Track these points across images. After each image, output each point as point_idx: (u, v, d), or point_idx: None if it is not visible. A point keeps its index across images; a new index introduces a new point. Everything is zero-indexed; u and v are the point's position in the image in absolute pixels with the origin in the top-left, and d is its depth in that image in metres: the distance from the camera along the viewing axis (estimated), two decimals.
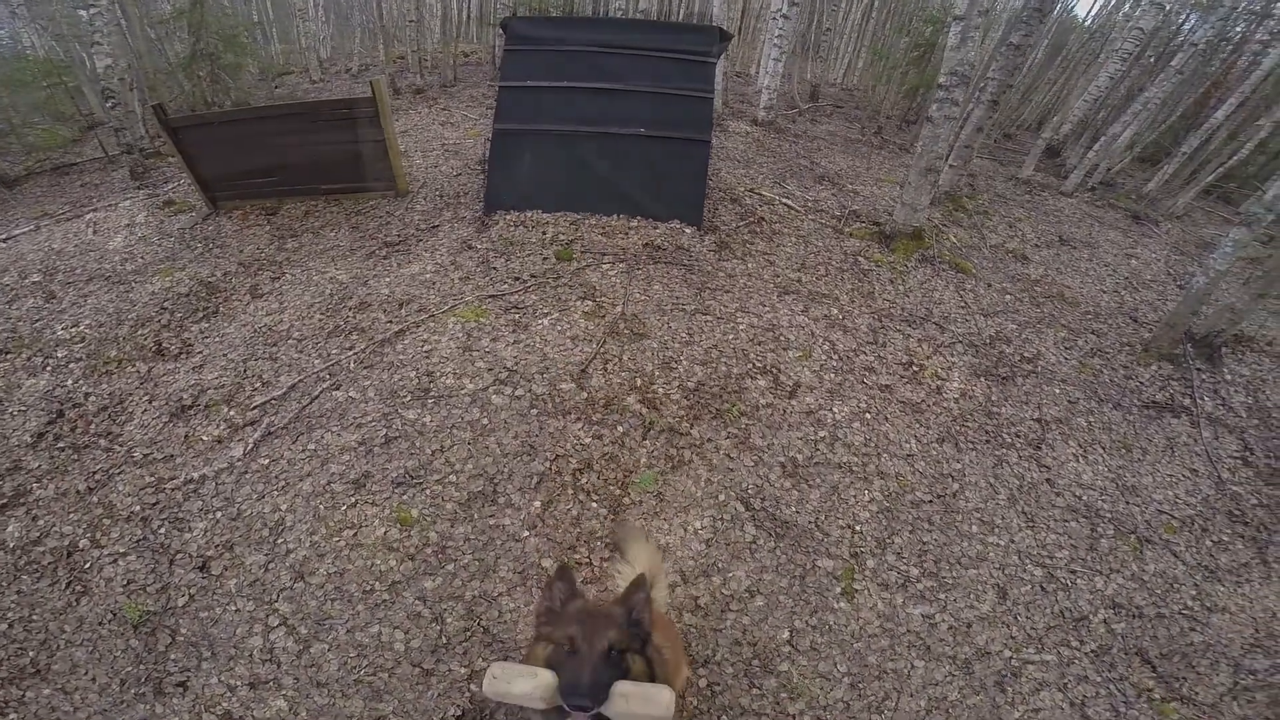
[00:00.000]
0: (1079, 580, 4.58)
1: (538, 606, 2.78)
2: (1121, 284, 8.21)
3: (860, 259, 7.54)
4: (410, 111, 11.43)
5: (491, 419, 4.90)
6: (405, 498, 4.40)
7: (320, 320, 5.88)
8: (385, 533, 4.23)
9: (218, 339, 5.75)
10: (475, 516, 4.35)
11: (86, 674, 3.64)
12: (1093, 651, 4.19)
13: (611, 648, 2.48)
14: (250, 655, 3.72)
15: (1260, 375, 6.71)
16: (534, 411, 4.99)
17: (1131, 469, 5.49)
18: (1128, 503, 5.21)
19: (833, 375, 5.67)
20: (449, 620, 3.89)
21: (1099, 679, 4.07)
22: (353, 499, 4.38)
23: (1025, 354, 6.59)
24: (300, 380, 5.24)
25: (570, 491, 4.54)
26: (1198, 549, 4.93)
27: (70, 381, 5.29)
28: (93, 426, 4.94)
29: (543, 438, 4.81)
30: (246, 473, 4.55)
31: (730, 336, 5.89)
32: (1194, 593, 4.63)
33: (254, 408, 5.03)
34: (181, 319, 5.99)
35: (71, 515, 4.34)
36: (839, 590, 4.26)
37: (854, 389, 5.58)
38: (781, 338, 5.96)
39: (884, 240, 7.91)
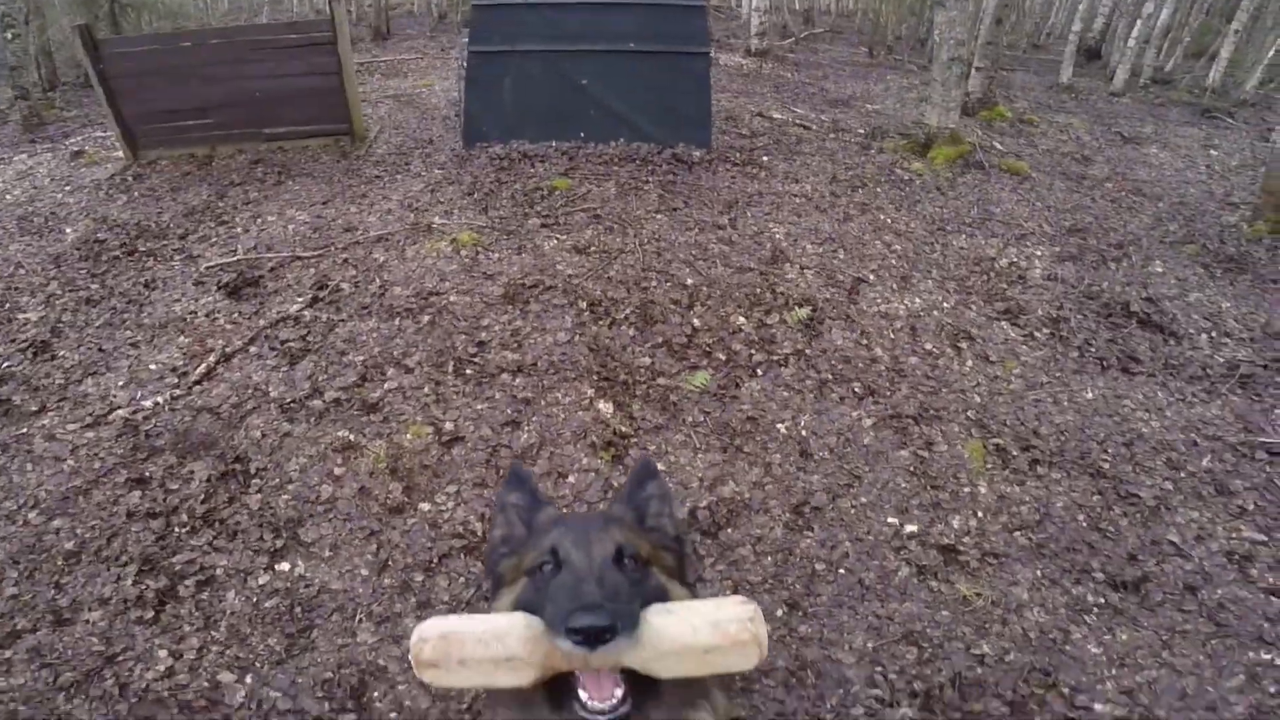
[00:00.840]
0: None
1: (489, 542, 1.83)
2: (1205, 174, 7.46)
3: (896, 170, 6.72)
4: None
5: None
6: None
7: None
8: None
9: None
10: None
11: None
12: None
13: (622, 551, 1.51)
14: None
15: None
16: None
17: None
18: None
19: (894, 274, 4.67)
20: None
21: None
22: None
23: (1111, 242, 5.69)
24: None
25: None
26: None
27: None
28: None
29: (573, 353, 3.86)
30: None
31: (766, 248, 4.94)
32: None
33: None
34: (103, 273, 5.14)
35: None
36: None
37: (922, 284, 4.58)
38: (827, 243, 5.01)
39: (919, 150, 7.15)
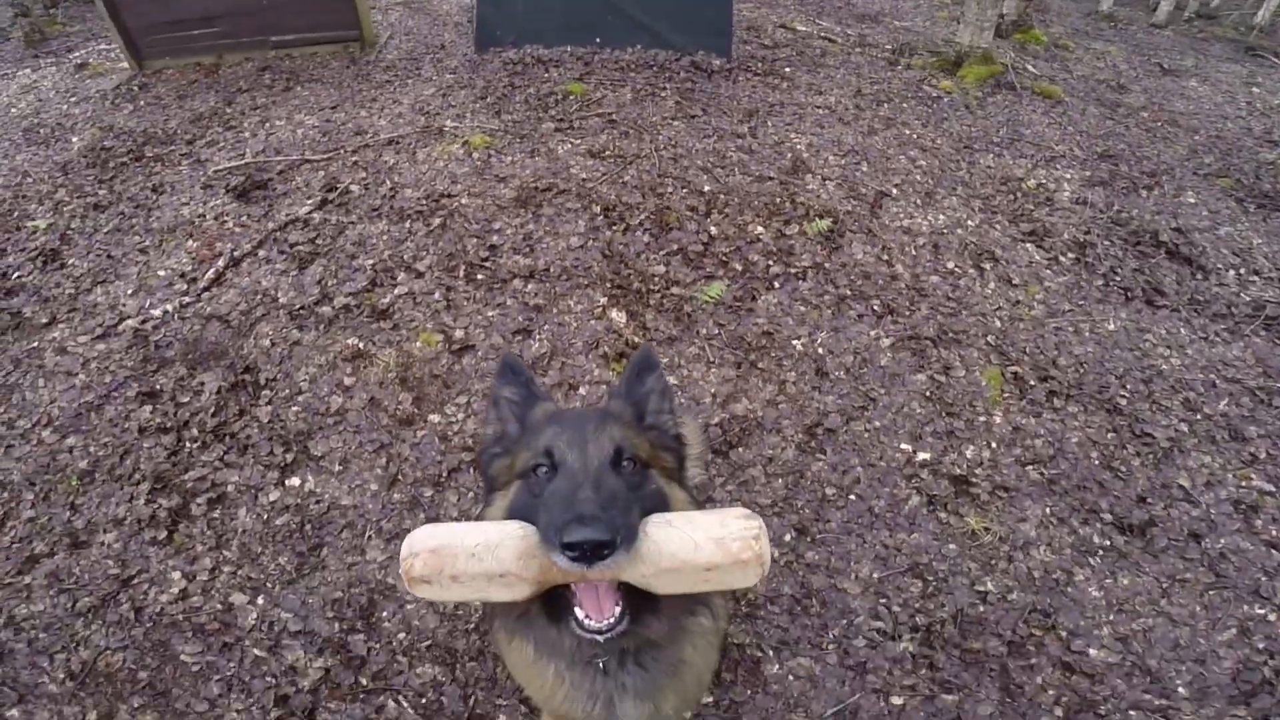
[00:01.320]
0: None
1: (481, 441, 1.75)
2: (1244, 111, 7.13)
3: (925, 87, 6.41)
4: None
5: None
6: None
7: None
8: None
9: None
10: None
11: None
12: None
13: (621, 452, 1.43)
14: None
15: None
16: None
17: None
18: None
19: (918, 190, 4.50)
20: None
21: None
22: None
23: (1144, 170, 5.46)
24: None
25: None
26: None
27: None
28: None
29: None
30: None
31: (787, 158, 4.76)
32: None
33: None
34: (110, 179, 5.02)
35: None
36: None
37: (946, 201, 4.42)
38: (850, 155, 4.82)
39: (949, 68, 6.81)
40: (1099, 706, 2.58)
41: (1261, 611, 2.80)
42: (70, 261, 4.17)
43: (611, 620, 1.31)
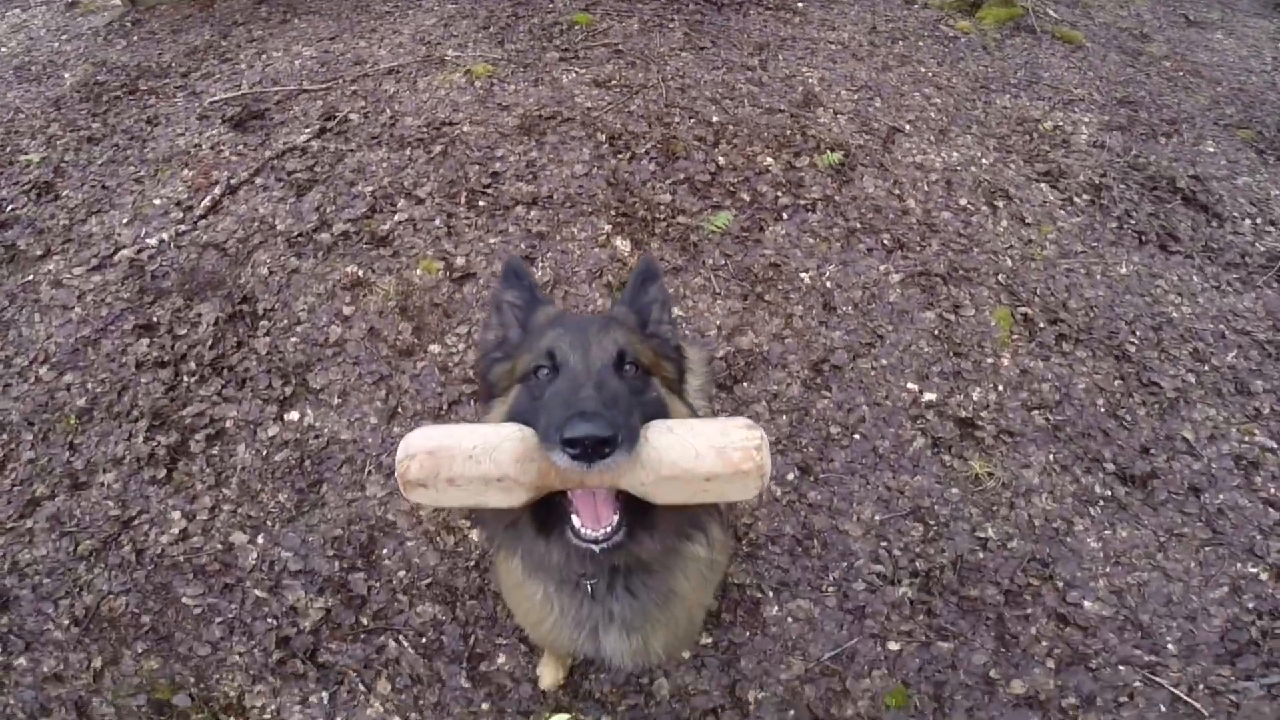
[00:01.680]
0: None
1: (481, 346, 1.70)
2: (1270, 65, 6.93)
3: (941, 26, 6.21)
4: None
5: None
6: None
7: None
8: None
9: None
10: None
11: None
12: None
13: (624, 355, 1.39)
14: None
15: None
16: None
17: None
18: None
19: (932, 127, 4.38)
20: None
21: None
22: None
23: (1164, 118, 5.33)
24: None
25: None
26: None
27: None
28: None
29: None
30: None
31: (798, 91, 4.61)
32: None
33: None
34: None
35: None
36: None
37: (960, 139, 4.31)
38: (863, 90, 4.67)
39: (967, 9, 6.59)
40: (1090, 660, 2.59)
41: (1254, 570, 2.81)
42: (64, 193, 4.09)
43: (609, 529, 1.28)
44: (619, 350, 1.38)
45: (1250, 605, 2.71)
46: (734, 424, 1.26)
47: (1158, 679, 2.55)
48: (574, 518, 1.28)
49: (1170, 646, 2.62)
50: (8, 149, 4.47)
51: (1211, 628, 2.66)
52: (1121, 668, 2.58)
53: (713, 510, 1.61)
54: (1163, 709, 2.51)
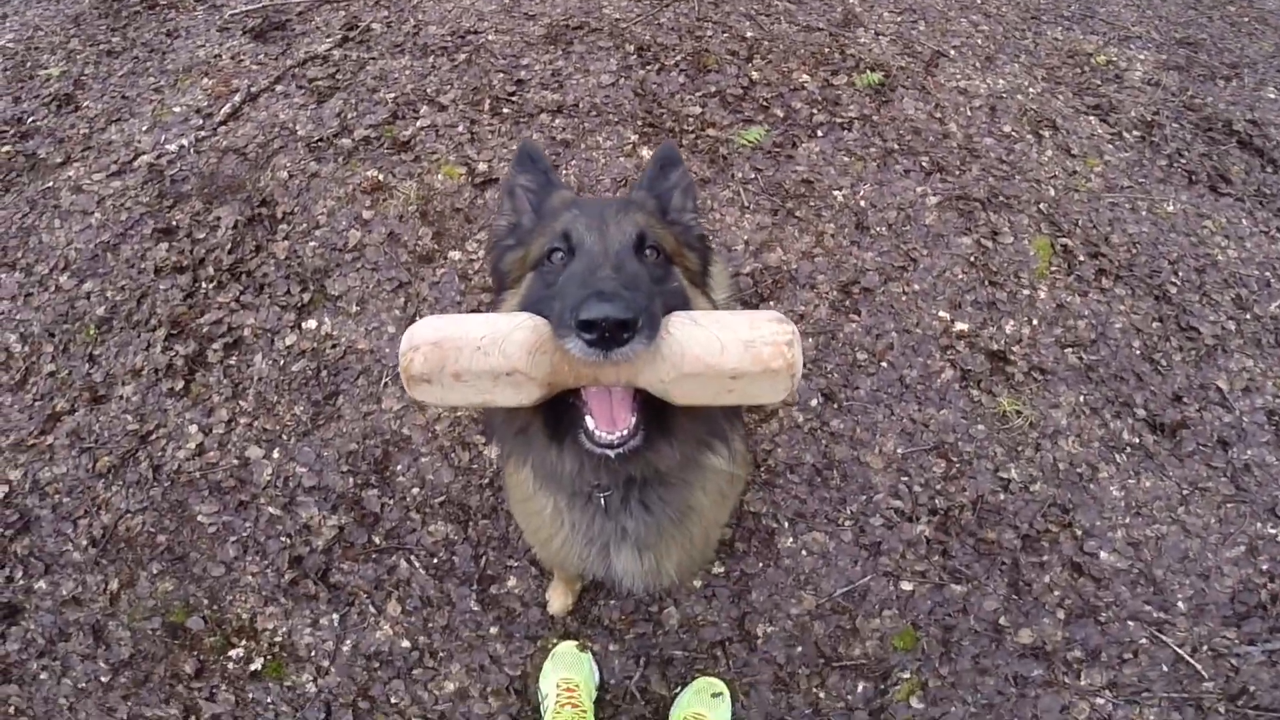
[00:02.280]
0: None
1: (493, 233, 1.58)
2: None
3: None
4: None
5: None
6: None
7: None
8: None
9: None
10: None
11: None
12: None
13: (644, 238, 1.28)
14: None
15: None
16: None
17: None
18: None
19: (978, 54, 4.18)
20: None
21: None
22: None
23: (1225, 61, 5.06)
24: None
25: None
26: None
27: None
28: None
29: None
30: None
31: (837, 10, 4.42)
32: None
33: None
34: None
35: None
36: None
37: (1007, 67, 4.12)
38: (907, 13, 4.48)
39: None
40: (1100, 614, 2.53)
41: (1273, 531, 2.72)
42: (85, 104, 4.04)
43: (625, 432, 1.16)
44: (639, 232, 1.28)
45: (1264, 567, 2.64)
46: (763, 316, 1.14)
47: (1164, 637, 2.51)
48: (588, 419, 1.18)
49: (1180, 605, 2.57)
50: (28, 65, 4.43)
51: (1223, 588, 2.60)
52: (1130, 623, 2.53)
53: (735, 418, 1.52)
54: (1164, 668, 2.47)
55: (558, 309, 1.11)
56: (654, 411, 1.22)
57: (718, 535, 2.01)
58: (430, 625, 2.52)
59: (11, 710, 2.46)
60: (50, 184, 3.61)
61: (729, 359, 1.08)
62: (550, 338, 1.10)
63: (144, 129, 3.83)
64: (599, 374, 1.10)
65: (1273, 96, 4.76)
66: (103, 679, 2.48)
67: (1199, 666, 2.46)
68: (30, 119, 3.96)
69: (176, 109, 3.93)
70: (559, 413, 1.24)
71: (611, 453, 1.17)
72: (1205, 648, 2.50)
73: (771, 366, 1.09)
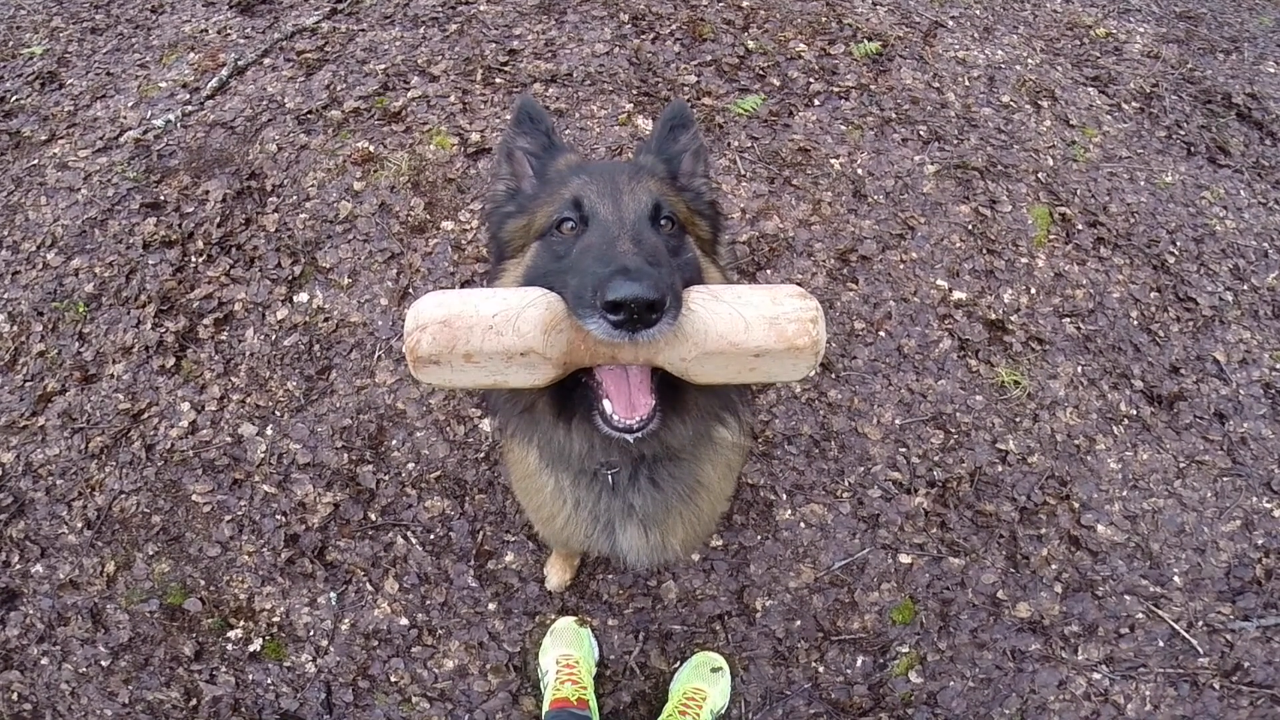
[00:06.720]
0: None
1: (490, 199, 1.49)
2: None
3: None
4: None
5: None
6: None
7: None
8: None
9: None
10: None
11: None
12: None
13: (660, 208, 1.19)
14: None
15: None
16: None
17: None
18: None
19: (976, 25, 4.14)
20: None
21: None
22: None
23: (1225, 35, 5.03)
24: None
25: None
26: None
27: None
28: None
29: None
30: None
31: None
32: None
33: None
34: None
35: None
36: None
37: (1006, 38, 4.07)
38: None
39: None
40: (1097, 587, 2.52)
41: (1269, 505, 2.71)
42: (69, 82, 3.98)
43: (644, 416, 1.09)
44: (655, 201, 1.21)
45: (1259, 542, 2.63)
46: (785, 291, 1.08)
47: (1160, 612, 2.50)
48: (605, 403, 1.11)
49: (1176, 579, 2.56)
50: (10, 44, 4.36)
51: (1219, 562, 2.59)
52: (1127, 597, 2.52)
53: (744, 388, 1.45)
54: (1160, 644, 2.47)
55: (575, 285, 1.03)
56: (669, 389, 1.16)
57: (723, 508, 1.97)
58: (428, 602, 2.49)
59: (15, 696, 2.44)
60: (35, 161, 3.56)
61: (753, 337, 1.03)
62: (565, 315, 1.03)
63: (129, 105, 3.77)
64: (617, 353, 1.04)
65: (1272, 70, 4.73)
66: (103, 663, 2.46)
67: (1194, 642, 2.46)
68: (14, 98, 3.89)
69: (162, 84, 3.86)
70: (567, 390, 1.17)
71: (630, 437, 1.11)
72: (1200, 623, 2.50)
73: (796, 344, 1.04)
